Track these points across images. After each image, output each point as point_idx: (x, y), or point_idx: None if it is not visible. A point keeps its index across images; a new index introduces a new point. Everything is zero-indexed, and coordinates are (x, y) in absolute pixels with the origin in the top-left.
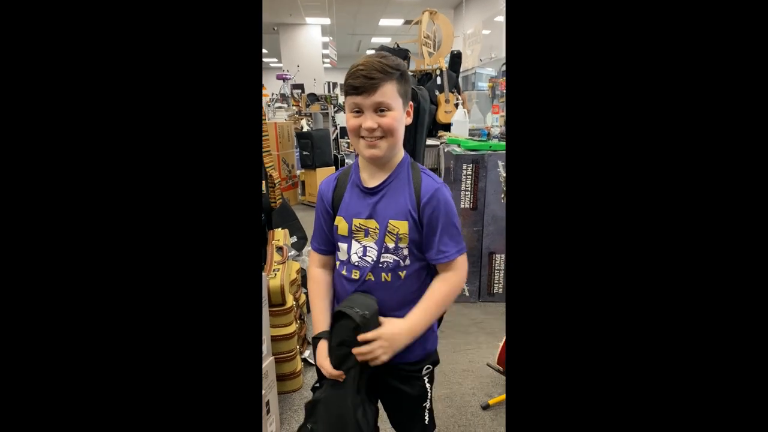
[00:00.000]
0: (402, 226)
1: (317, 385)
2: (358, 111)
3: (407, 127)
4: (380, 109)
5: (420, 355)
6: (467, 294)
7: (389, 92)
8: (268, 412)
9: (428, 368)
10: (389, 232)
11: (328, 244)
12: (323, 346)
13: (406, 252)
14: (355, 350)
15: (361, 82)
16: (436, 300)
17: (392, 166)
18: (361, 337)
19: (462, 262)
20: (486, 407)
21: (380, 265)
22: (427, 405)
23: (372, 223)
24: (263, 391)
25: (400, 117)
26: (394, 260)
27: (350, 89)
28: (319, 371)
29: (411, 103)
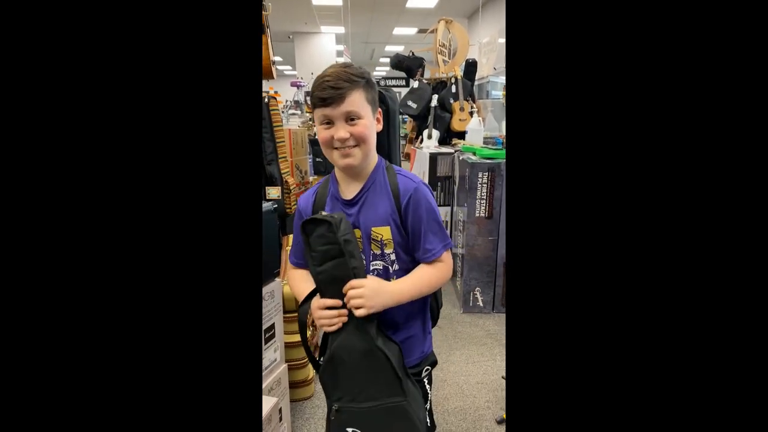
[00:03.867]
0: (385, 232)
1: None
2: (329, 122)
3: (380, 132)
4: (350, 118)
5: (418, 357)
6: (481, 304)
7: (357, 101)
8: (280, 419)
9: (427, 369)
10: (373, 239)
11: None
12: (317, 298)
13: (393, 257)
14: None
15: (329, 93)
16: (422, 277)
17: (367, 174)
18: (346, 287)
19: (447, 257)
20: (501, 421)
21: (371, 273)
22: (428, 406)
23: (357, 233)
24: (276, 399)
25: (370, 124)
26: (383, 266)
27: (318, 101)
28: (321, 346)
29: (380, 108)
